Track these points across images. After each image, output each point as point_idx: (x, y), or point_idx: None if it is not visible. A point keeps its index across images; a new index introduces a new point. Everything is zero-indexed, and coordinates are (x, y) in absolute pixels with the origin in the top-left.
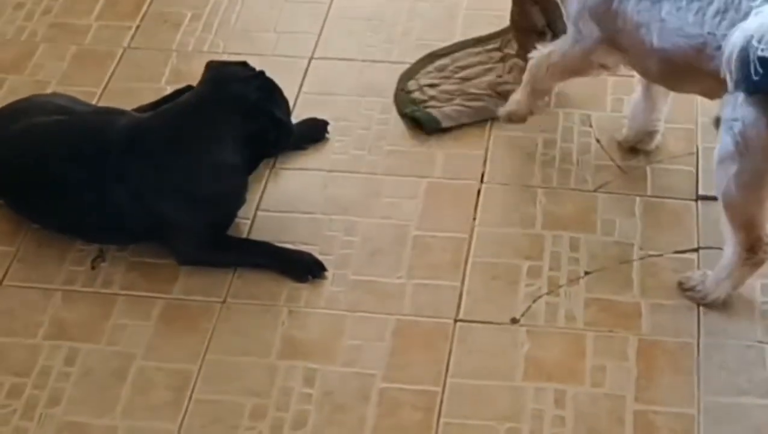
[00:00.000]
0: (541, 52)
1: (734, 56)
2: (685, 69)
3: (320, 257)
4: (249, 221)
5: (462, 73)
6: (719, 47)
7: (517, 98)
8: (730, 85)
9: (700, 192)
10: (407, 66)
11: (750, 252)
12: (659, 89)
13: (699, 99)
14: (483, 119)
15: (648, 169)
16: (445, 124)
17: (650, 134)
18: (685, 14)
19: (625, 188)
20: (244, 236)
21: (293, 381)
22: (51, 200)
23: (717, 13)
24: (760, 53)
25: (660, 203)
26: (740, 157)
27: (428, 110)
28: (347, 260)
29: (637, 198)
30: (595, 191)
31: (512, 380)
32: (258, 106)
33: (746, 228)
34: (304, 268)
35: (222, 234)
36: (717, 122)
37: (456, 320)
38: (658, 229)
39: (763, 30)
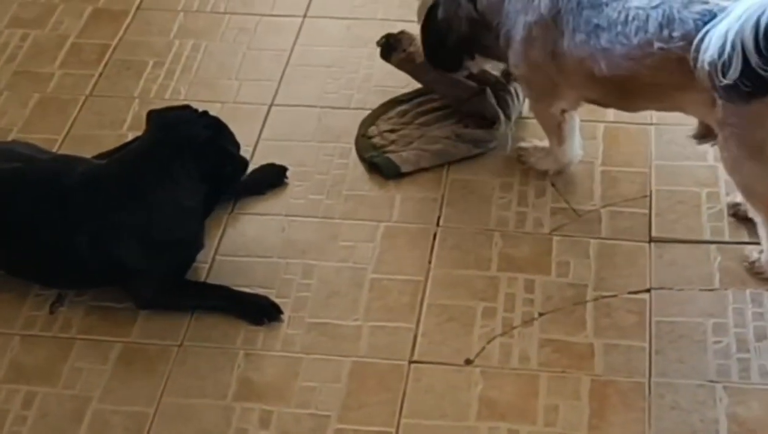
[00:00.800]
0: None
1: (717, 71)
2: (644, 87)
3: (277, 300)
4: (207, 265)
5: (422, 119)
6: (680, 59)
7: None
8: (719, 95)
9: (654, 234)
10: (367, 112)
11: None
12: None
13: (653, 143)
14: (441, 163)
15: (602, 212)
16: (404, 169)
17: None
18: (628, 38)
19: (580, 231)
20: (203, 279)
21: (248, 422)
22: (9, 246)
23: (661, 27)
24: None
25: (614, 245)
26: (749, 156)
27: (388, 155)
28: (304, 303)
29: (592, 240)
30: (550, 233)
31: (466, 420)
32: (209, 144)
33: None
34: (261, 311)
35: (180, 278)
36: (701, 136)
37: (411, 362)
38: (611, 270)
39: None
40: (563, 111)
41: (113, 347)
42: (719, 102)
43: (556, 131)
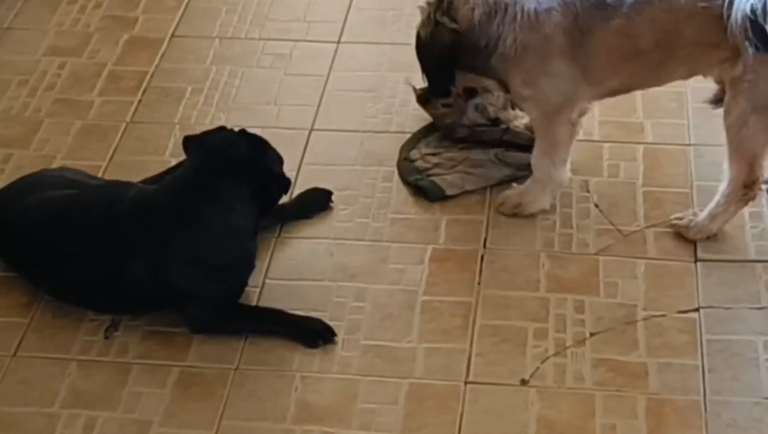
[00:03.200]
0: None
1: (747, 23)
2: (682, 50)
3: (330, 323)
4: (258, 289)
5: (463, 143)
6: (719, 16)
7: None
8: (747, 48)
9: (699, 255)
10: (407, 136)
11: (747, 189)
12: None
13: (692, 163)
14: (485, 186)
15: (647, 232)
16: (449, 192)
17: None
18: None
19: (626, 252)
20: (254, 303)
21: None
22: (63, 272)
23: None
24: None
25: (661, 265)
26: (755, 110)
27: (432, 178)
28: (357, 326)
29: (638, 261)
30: (596, 254)
31: None
32: (256, 163)
33: (751, 167)
34: (315, 334)
35: (234, 302)
36: (718, 100)
37: (467, 383)
38: (659, 290)
39: None
40: (579, 116)
41: (171, 371)
42: (741, 58)
43: (568, 142)
